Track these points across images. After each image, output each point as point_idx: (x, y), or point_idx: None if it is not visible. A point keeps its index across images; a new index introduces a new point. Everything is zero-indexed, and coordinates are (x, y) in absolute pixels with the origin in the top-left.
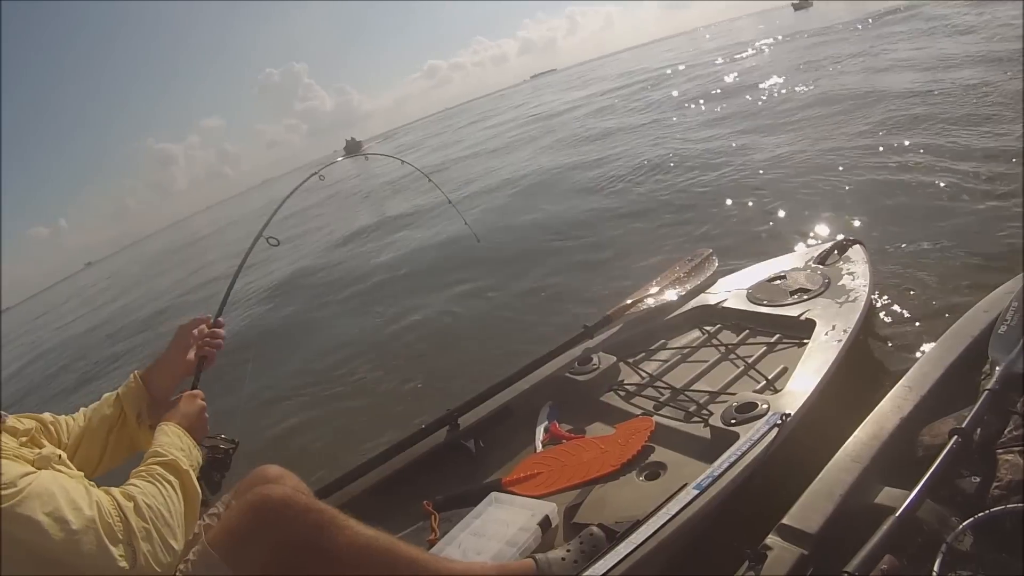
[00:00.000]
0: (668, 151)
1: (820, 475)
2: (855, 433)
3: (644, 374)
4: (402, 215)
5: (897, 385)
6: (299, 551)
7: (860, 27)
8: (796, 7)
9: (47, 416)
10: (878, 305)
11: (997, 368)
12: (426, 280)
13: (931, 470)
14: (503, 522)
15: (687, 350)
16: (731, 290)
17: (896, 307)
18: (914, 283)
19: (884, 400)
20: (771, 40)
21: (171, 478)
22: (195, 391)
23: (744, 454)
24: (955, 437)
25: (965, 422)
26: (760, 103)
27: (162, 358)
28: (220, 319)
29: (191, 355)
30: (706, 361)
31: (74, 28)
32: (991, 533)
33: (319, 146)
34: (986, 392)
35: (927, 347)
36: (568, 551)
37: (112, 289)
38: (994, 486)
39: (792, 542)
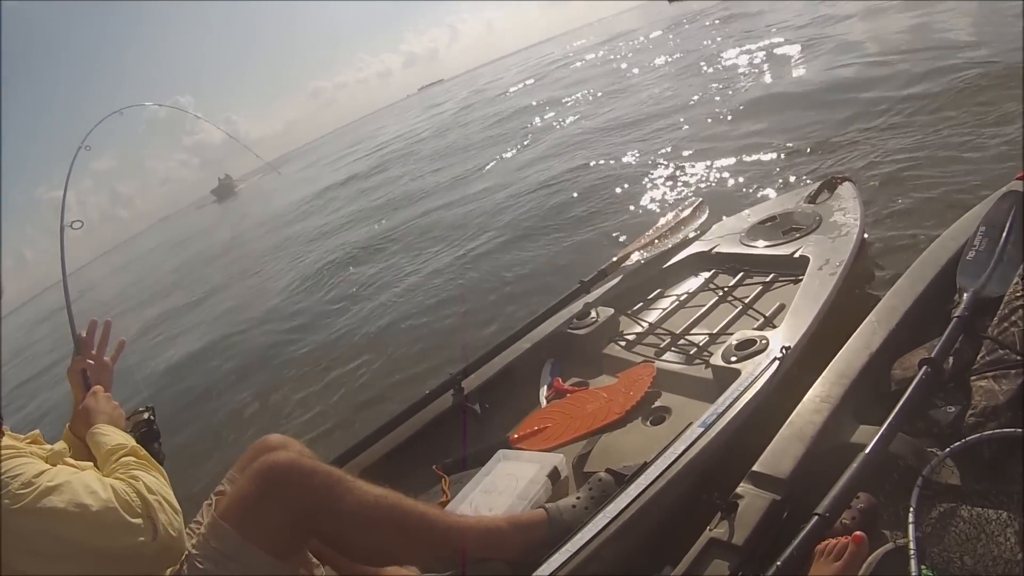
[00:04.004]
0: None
1: (789, 418)
2: (824, 372)
3: (643, 323)
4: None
5: (865, 321)
6: (309, 513)
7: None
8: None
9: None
10: (870, 238)
11: (966, 295)
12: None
13: (900, 402)
14: (512, 477)
15: (684, 296)
16: (724, 235)
17: (888, 238)
18: (903, 215)
19: (852, 337)
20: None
21: (143, 461)
22: (93, 389)
23: (747, 388)
24: (924, 367)
25: (935, 351)
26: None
27: (76, 408)
28: (80, 334)
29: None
30: (704, 305)
31: None
32: (970, 462)
33: (212, 178)
34: (955, 319)
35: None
36: (578, 498)
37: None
38: (969, 414)
39: (764, 488)
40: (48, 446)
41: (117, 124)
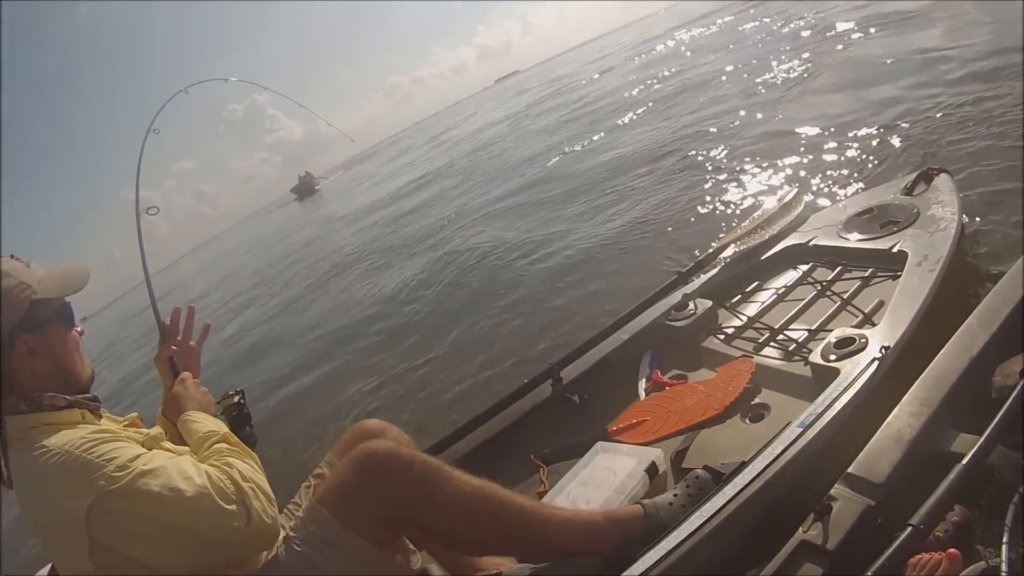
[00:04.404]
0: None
1: (887, 421)
2: (923, 375)
3: (742, 316)
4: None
5: (965, 323)
6: (405, 502)
7: None
8: None
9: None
10: (971, 232)
11: None
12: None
13: (1000, 412)
14: (610, 470)
15: (783, 290)
16: (821, 227)
17: (988, 231)
18: (1005, 207)
19: (952, 339)
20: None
21: (235, 448)
22: (181, 376)
23: (846, 388)
24: None
25: None
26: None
27: (165, 394)
28: (164, 322)
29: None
30: (802, 299)
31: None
32: None
33: (294, 172)
34: None
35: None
36: (675, 495)
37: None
38: None
39: (859, 491)
40: (146, 430)
41: (197, 126)
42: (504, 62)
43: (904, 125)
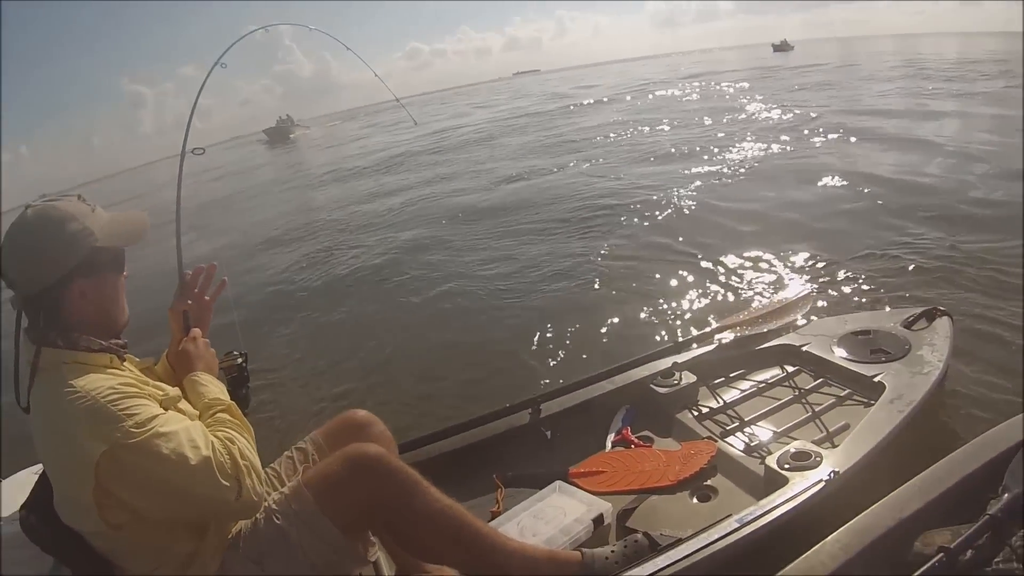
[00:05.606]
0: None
1: (807, 553)
2: (850, 523)
3: (720, 399)
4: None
5: (908, 483)
6: (383, 504)
7: None
8: (776, 48)
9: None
10: (952, 381)
11: (1006, 495)
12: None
13: None
14: (561, 510)
15: (763, 385)
16: (819, 334)
17: (968, 389)
18: (994, 367)
19: (889, 496)
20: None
21: (237, 421)
22: (192, 333)
23: (788, 500)
24: (940, 554)
25: (956, 542)
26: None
27: (172, 347)
28: (185, 272)
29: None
30: (778, 400)
31: None
32: None
33: (290, 109)
34: (987, 516)
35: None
36: (612, 551)
37: None
38: None
39: None
40: (165, 387)
41: (213, 35)
42: (527, 58)
43: (943, 254)
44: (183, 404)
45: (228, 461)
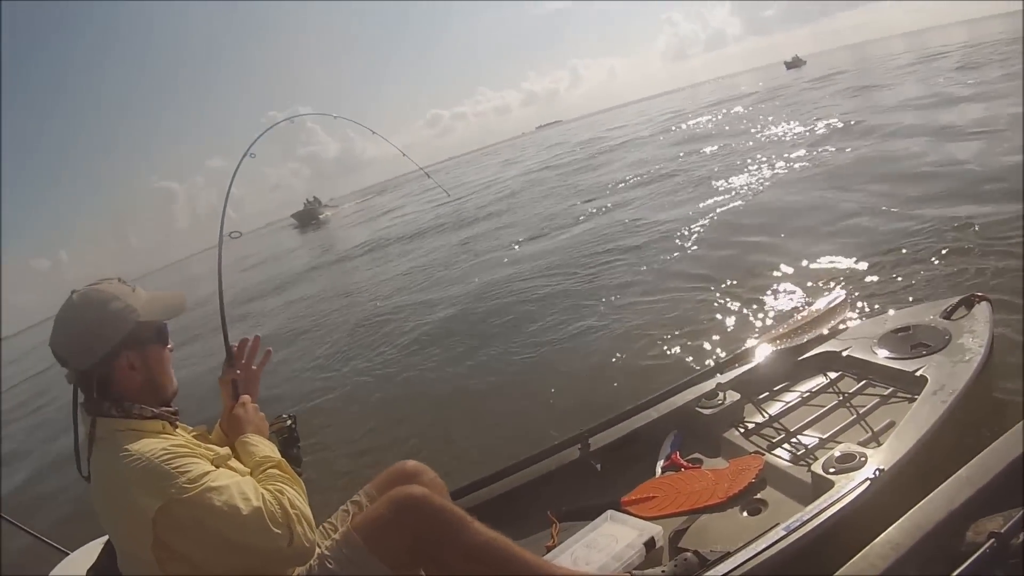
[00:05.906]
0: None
1: (860, 554)
2: (901, 519)
3: (765, 413)
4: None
5: (955, 474)
6: (429, 541)
7: None
8: (788, 66)
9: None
10: (996, 364)
11: None
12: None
13: (959, 570)
14: (613, 538)
15: (807, 394)
16: (858, 338)
17: (1016, 370)
18: None
19: (938, 489)
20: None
21: (287, 475)
22: (242, 399)
23: (834, 503)
24: (991, 540)
25: (1006, 526)
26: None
27: (225, 414)
28: (232, 347)
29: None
30: (823, 407)
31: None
32: None
33: (319, 190)
34: None
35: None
36: (663, 571)
37: None
38: None
39: None
40: (216, 448)
41: (235, 127)
42: (547, 110)
43: (974, 242)
44: (233, 462)
45: (278, 510)
